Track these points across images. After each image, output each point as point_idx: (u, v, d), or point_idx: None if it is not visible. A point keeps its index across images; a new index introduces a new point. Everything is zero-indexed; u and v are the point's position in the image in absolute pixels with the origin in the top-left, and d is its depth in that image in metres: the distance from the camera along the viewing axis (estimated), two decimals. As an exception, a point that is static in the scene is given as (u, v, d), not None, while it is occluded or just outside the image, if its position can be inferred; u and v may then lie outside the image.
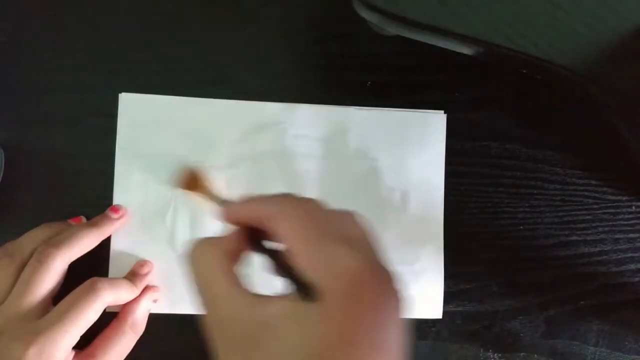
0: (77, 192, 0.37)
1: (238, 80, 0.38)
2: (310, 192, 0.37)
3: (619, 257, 0.39)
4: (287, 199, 0.24)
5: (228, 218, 0.26)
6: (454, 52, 0.34)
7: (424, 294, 0.38)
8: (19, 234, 0.36)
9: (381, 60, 0.39)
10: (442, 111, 0.39)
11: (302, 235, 0.22)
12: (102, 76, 0.37)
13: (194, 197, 0.35)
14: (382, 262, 0.22)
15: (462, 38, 0.31)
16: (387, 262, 0.22)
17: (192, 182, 0.35)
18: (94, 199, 0.37)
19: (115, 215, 0.35)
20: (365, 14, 0.32)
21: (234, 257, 0.24)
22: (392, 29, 0.33)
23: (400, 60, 0.39)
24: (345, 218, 0.24)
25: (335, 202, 0.36)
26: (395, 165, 0.38)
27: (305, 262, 0.21)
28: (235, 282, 0.23)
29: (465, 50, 0.33)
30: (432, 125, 0.38)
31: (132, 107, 0.37)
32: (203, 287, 0.23)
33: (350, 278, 0.20)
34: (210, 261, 0.23)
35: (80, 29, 0.37)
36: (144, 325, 0.35)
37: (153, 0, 0.37)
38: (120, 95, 0.37)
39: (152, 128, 0.37)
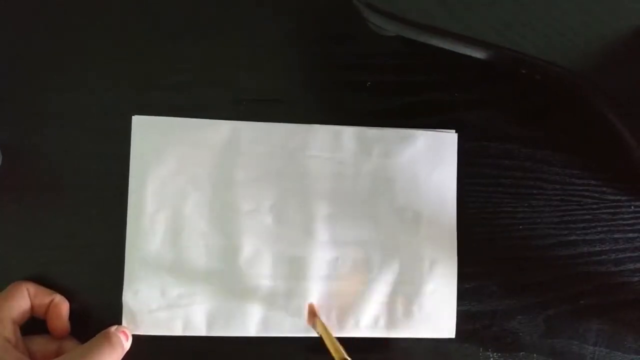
0: (77, 193, 0.37)
1: (237, 80, 0.38)
2: (322, 212, 0.37)
3: (618, 256, 0.40)
4: None
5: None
6: (453, 52, 0.34)
7: (437, 314, 0.38)
8: (18, 233, 0.36)
9: (381, 60, 0.39)
10: (454, 130, 0.39)
11: None
12: (101, 75, 0.37)
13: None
14: None
15: (462, 38, 0.31)
16: None
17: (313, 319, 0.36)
18: (94, 199, 0.37)
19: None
20: (365, 14, 0.32)
21: None
22: (392, 29, 0.33)
23: (400, 60, 0.39)
24: None
25: (348, 222, 0.37)
26: (407, 185, 0.38)
27: None
28: None
29: (465, 50, 0.33)
30: (444, 145, 0.38)
31: (146, 130, 0.37)
32: None
33: None
34: None
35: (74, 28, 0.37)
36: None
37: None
38: (133, 118, 0.37)
39: (167, 151, 0.37)
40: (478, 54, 0.33)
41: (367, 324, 0.37)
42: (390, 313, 0.38)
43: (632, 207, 0.40)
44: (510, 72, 0.38)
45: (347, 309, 0.37)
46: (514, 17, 0.30)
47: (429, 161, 0.38)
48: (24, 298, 0.34)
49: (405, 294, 0.38)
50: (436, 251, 0.38)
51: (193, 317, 0.36)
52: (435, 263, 0.38)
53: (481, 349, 0.39)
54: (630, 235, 0.40)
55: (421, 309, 0.38)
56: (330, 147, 0.38)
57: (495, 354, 0.39)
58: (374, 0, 0.30)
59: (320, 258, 0.37)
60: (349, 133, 0.38)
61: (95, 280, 0.36)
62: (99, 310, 0.36)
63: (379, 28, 0.35)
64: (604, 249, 0.39)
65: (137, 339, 0.36)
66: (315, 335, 0.36)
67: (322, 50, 0.38)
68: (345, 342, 0.38)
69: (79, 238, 0.36)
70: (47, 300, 0.34)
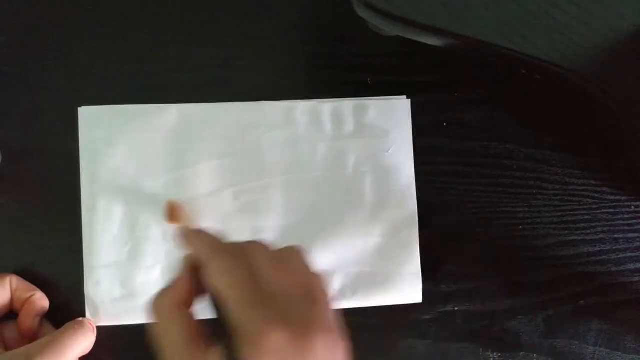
0: (76, 193, 0.37)
1: (237, 81, 0.38)
2: (281, 188, 0.37)
3: (618, 256, 0.40)
4: (225, 249, 0.25)
5: (180, 241, 0.27)
6: (453, 52, 0.34)
7: (402, 280, 0.38)
8: (18, 233, 0.36)
9: (381, 60, 0.39)
10: (405, 96, 0.38)
11: (230, 294, 0.23)
12: (101, 75, 0.37)
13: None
14: (323, 315, 0.23)
15: (462, 39, 0.31)
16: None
17: (174, 215, 0.35)
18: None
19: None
20: (365, 14, 0.32)
21: (188, 302, 0.25)
22: (392, 29, 0.33)
23: (400, 60, 0.39)
24: (289, 260, 0.25)
25: (307, 197, 0.37)
26: (364, 154, 0.38)
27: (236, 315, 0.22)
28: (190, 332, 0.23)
29: (465, 51, 0.33)
30: (397, 112, 0.38)
31: (93, 121, 0.36)
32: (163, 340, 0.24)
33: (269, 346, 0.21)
34: (168, 315, 0.24)
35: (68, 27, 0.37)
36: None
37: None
38: (79, 109, 0.36)
39: (116, 140, 0.36)
40: (478, 54, 0.33)
41: (334, 295, 0.37)
42: (355, 283, 0.38)
43: (632, 207, 0.40)
44: (510, 72, 0.38)
45: None
46: (514, 18, 0.30)
47: (383, 128, 0.38)
48: (5, 289, 0.34)
49: (368, 264, 0.38)
50: (397, 218, 0.38)
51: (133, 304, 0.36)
52: (399, 229, 0.38)
53: (481, 349, 0.39)
54: (630, 235, 0.40)
55: (386, 277, 0.38)
56: (283, 124, 0.38)
57: (495, 354, 0.39)
58: (374, 1, 0.30)
59: (283, 236, 0.37)
60: (301, 108, 0.38)
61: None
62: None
63: (379, 28, 0.35)
64: (604, 249, 0.39)
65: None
66: None
67: (322, 50, 0.38)
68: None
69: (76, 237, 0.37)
70: (26, 295, 0.34)
